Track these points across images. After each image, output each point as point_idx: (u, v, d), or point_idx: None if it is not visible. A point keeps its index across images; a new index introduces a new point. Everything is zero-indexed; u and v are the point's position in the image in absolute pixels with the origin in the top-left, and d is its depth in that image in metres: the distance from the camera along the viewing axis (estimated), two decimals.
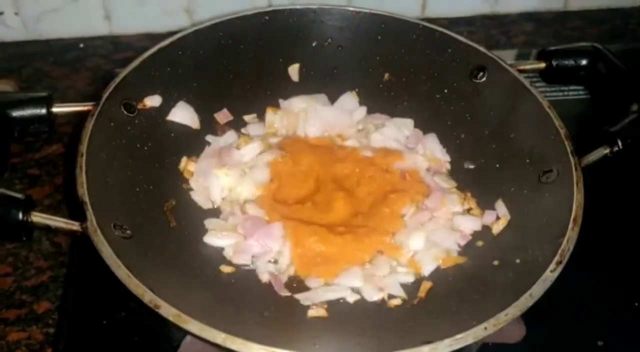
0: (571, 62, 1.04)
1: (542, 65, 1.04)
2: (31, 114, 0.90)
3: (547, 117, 0.94)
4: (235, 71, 1.06)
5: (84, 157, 0.83)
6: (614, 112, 0.97)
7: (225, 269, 0.90)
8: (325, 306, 0.86)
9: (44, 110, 0.90)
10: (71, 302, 0.95)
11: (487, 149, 1.01)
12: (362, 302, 0.88)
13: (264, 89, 1.08)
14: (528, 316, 0.80)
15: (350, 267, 0.90)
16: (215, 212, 0.97)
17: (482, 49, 1.03)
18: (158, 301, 0.72)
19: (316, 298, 0.87)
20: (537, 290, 0.76)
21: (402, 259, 0.92)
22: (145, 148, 0.95)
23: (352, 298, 0.88)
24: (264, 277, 0.89)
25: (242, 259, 0.91)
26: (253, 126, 1.06)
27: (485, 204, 0.97)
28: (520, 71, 1.00)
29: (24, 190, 1.10)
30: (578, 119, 1.20)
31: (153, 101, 0.97)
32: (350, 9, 1.07)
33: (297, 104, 1.07)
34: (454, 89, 1.05)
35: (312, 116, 1.06)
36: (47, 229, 0.81)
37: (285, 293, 0.87)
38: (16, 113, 0.89)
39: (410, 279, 0.90)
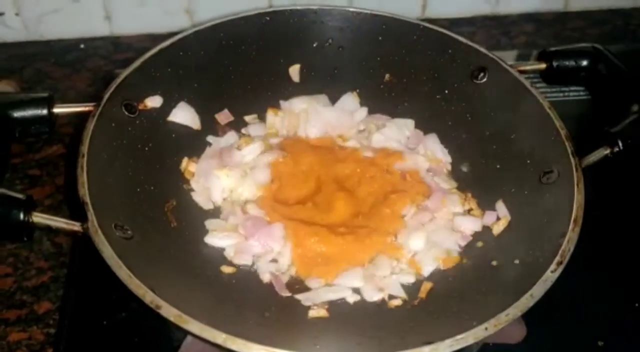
0: (572, 63, 1.04)
1: (543, 66, 1.04)
2: (32, 115, 0.90)
3: (547, 117, 0.94)
4: (236, 72, 1.06)
5: (85, 158, 0.83)
6: (615, 113, 0.97)
7: (226, 269, 0.90)
8: (326, 307, 0.86)
9: (44, 111, 0.90)
10: (72, 302, 0.95)
11: (488, 149, 1.01)
12: (362, 302, 0.88)
13: (265, 90, 1.08)
14: (529, 317, 0.80)
15: (350, 268, 0.90)
16: (216, 213, 0.97)
17: (482, 49, 1.03)
18: (159, 302, 0.72)
19: (317, 298, 0.87)
20: (538, 290, 0.76)
21: (402, 259, 0.92)
22: (146, 149, 0.95)
23: (352, 298, 0.88)
24: (265, 278, 0.89)
25: (242, 260, 0.91)
26: (254, 127, 1.07)
27: (486, 204, 0.97)
28: (521, 72, 1.01)
29: (24, 190, 1.10)
30: (579, 119, 1.20)
31: (154, 102, 0.97)
32: (351, 9, 1.07)
33: (298, 104, 1.07)
34: (455, 89, 1.05)
35: (312, 117, 1.06)
36: (48, 229, 0.81)
37: (286, 293, 0.87)
38: (17, 114, 0.90)
39: (410, 279, 0.90)
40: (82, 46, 1.39)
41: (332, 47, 1.09)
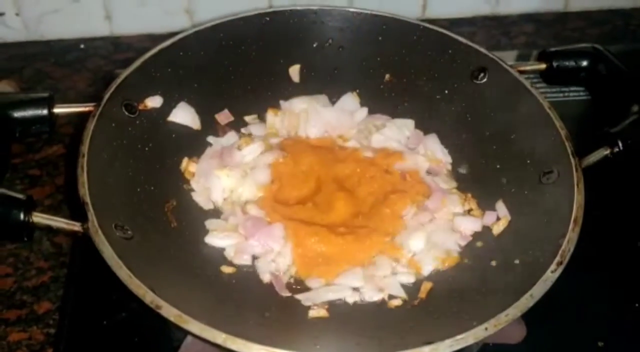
0: (572, 63, 1.04)
1: (543, 66, 1.04)
2: (32, 115, 0.90)
3: (547, 118, 0.94)
4: (236, 72, 1.06)
5: (85, 158, 0.83)
6: (615, 113, 0.98)
7: (226, 269, 0.90)
8: (326, 307, 0.86)
9: (45, 111, 0.90)
10: (72, 302, 0.95)
11: (488, 149, 1.01)
12: (362, 302, 0.88)
13: (265, 90, 1.08)
14: (529, 317, 0.80)
15: (350, 268, 0.90)
16: (216, 213, 0.97)
17: (482, 50, 1.03)
18: (159, 302, 0.72)
19: (317, 298, 0.87)
20: (538, 290, 0.76)
21: (402, 259, 0.92)
22: (147, 149, 0.95)
23: (352, 298, 0.88)
24: (265, 278, 0.89)
25: (243, 260, 0.91)
26: (254, 127, 1.07)
27: (486, 204, 0.97)
28: (521, 72, 1.01)
29: (24, 190, 1.10)
30: (578, 120, 1.20)
31: (154, 102, 0.97)
32: (351, 10, 1.07)
33: (298, 104, 1.07)
34: (455, 89, 1.05)
35: (312, 117, 1.06)
36: (48, 229, 0.81)
37: (286, 293, 0.87)
38: (17, 114, 0.90)
39: (410, 279, 0.90)
40: (82, 46, 1.39)
41: (332, 47, 1.09)
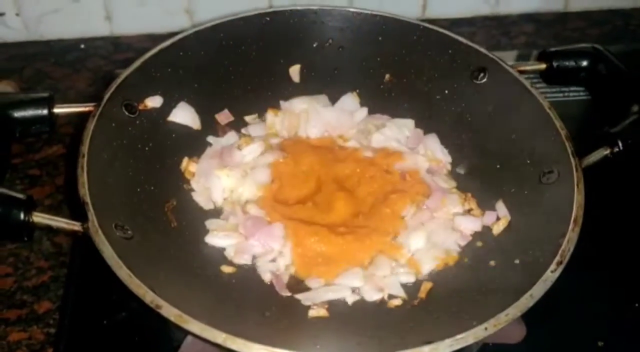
0: (572, 63, 1.04)
1: (543, 66, 1.04)
2: (32, 115, 0.90)
3: (547, 118, 0.94)
4: (236, 72, 1.06)
5: (85, 158, 0.83)
6: (615, 113, 0.98)
7: (226, 269, 0.90)
8: (326, 306, 0.86)
9: (45, 111, 0.90)
10: (72, 302, 0.95)
11: (488, 149, 1.01)
12: (362, 302, 0.88)
13: (265, 90, 1.08)
14: (528, 317, 0.80)
15: (350, 268, 0.90)
16: (216, 213, 0.97)
17: (482, 50, 1.03)
18: (159, 301, 0.72)
19: (317, 298, 0.87)
20: (538, 290, 0.76)
21: (402, 259, 0.92)
22: (147, 149, 0.95)
23: (352, 298, 0.88)
24: (266, 277, 0.89)
25: (243, 259, 0.91)
26: (254, 127, 1.07)
27: (486, 204, 0.97)
28: (521, 72, 1.01)
29: (24, 190, 1.10)
30: (579, 120, 1.20)
31: (154, 102, 0.97)
32: (351, 10, 1.07)
33: (298, 104, 1.07)
34: (455, 89, 1.05)
35: (313, 117, 1.06)
36: (48, 229, 0.81)
37: (286, 293, 0.87)
38: (17, 114, 0.90)
39: (410, 279, 0.90)
40: (82, 46, 1.39)
41: (332, 47, 1.09)
